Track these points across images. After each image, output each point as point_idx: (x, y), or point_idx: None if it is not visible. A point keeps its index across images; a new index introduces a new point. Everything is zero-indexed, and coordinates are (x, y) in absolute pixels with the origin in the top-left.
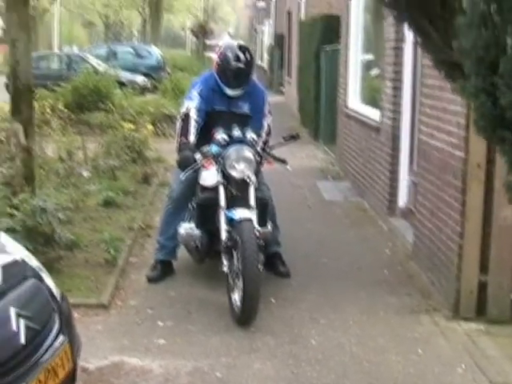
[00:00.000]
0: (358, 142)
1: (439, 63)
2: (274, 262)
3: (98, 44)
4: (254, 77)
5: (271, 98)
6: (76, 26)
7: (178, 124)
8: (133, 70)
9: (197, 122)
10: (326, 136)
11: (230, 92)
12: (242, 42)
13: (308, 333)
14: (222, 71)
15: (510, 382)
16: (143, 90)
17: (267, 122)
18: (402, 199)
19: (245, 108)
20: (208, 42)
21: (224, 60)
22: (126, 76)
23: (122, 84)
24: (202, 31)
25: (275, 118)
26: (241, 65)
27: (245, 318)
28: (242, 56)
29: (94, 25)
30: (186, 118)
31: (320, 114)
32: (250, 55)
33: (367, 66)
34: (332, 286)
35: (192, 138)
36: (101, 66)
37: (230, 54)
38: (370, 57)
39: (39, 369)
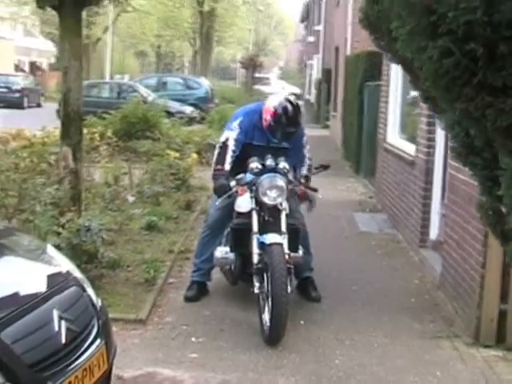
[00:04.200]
0: (394, 175)
1: (426, 99)
2: (305, 287)
3: (149, 74)
4: None
5: (317, 132)
6: (128, 55)
7: (216, 152)
8: (182, 100)
9: (234, 151)
10: (366, 170)
11: (274, 141)
12: (295, 99)
13: (332, 353)
14: (272, 129)
15: None
16: (191, 121)
17: (307, 150)
18: (434, 231)
19: (284, 144)
20: (257, 74)
21: (277, 121)
22: (174, 106)
23: (170, 114)
24: (252, 64)
25: (319, 151)
26: (293, 130)
27: (273, 337)
28: (296, 119)
29: (145, 55)
30: (223, 146)
31: (362, 148)
32: (300, 115)
33: (408, 103)
34: (360, 311)
35: (227, 166)
36: (150, 96)
37: (284, 118)
38: (409, 94)
39: (77, 367)
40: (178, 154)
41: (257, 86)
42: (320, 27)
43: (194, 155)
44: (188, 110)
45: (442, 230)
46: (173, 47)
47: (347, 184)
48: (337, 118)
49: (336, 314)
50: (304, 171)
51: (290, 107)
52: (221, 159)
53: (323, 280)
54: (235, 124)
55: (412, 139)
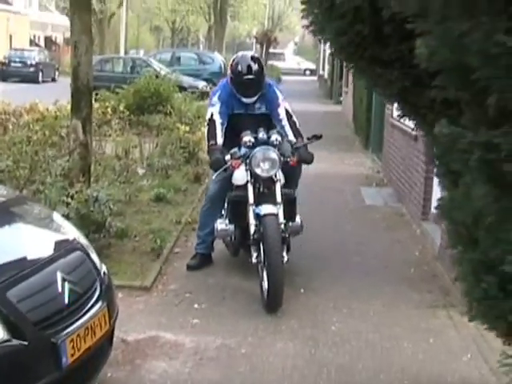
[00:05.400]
0: (399, 150)
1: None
2: None
3: (164, 49)
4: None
5: (330, 108)
6: (143, 30)
7: (206, 130)
8: (195, 75)
9: (221, 124)
10: (375, 145)
11: (245, 100)
12: (253, 53)
13: (329, 319)
14: (236, 83)
15: None
16: (203, 95)
17: (284, 108)
18: (435, 204)
19: (262, 109)
20: (272, 50)
21: (236, 72)
22: (187, 81)
23: (183, 88)
24: (267, 39)
25: (331, 127)
26: (251, 76)
27: (271, 304)
28: (253, 66)
29: (160, 30)
30: (211, 122)
31: (371, 124)
32: (260, 65)
33: None
34: (359, 281)
35: (219, 139)
36: (163, 70)
37: (240, 67)
38: None
39: (79, 326)
40: (188, 128)
41: (271, 62)
42: None
43: (204, 129)
44: (201, 84)
45: None
46: (188, 22)
47: (355, 159)
48: (348, 94)
49: (336, 283)
50: (290, 136)
51: (243, 55)
52: (212, 135)
53: (326, 251)
54: (215, 99)
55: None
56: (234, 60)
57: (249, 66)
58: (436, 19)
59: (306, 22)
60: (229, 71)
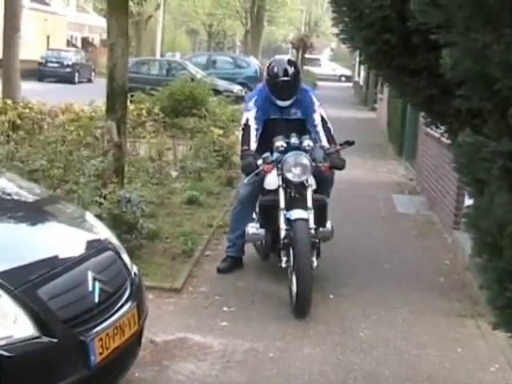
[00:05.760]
0: (433, 158)
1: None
2: None
3: (200, 52)
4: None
5: (364, 115)
6: (180, 33)
7: (240, 134)
8: (231, 79)
9: (256, 129)
10: (408, 152)
11: (281, 103)
12: (290, 57)
13: (358, 326)
14: (272, 85)
15: None
16: (238, 99)
17: (319, 114)
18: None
19: (298, 114)
20: (308, 55)
21: (272, 74)
22: (222, 84)
23: (218, 92)
24: (303, 44)
25: (365, 134)
26: (287, 78)
27: (299, 309)
28: (288, 69)
29: (197, 33)
30: (246, 127)
31: (405, 132)
32: (296, 68)
33: None
34: (389, 288)
35: (253, 145)
36: (198, 74)
37: (276, 69)
38: None
39: (108, 325)
40: (221, 132)
41: (307, 67)
42: None
43: (238, 133)
44: (236, 88)
45: None
46: (224, 26)
47: (389, 166)
48: (383, 101)
49: (365, 290)
50: (324, 142)
51: (280, 59)
52: (246, 140)
53: (357, 258)
54: (251, 104)
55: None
56: (270, 63)
57: (285, 69)
58: (460, 30)
59: (336, 29)
60: (265, 73)
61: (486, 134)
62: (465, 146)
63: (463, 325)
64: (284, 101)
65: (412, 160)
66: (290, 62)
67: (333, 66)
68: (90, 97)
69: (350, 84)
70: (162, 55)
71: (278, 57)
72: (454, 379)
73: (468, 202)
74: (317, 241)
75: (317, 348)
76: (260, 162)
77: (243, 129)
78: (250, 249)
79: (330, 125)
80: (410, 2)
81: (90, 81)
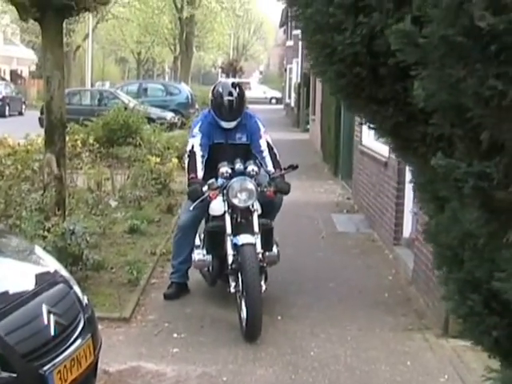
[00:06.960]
0: (369, 176)
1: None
2: None
3: (131, 81)
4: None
5: (297, 136)
6: (109, 62)
7: (186, 161)
8: (163, 106)
9: (202, 156)
10: (344, 172)
11: (225, 125)
12: (234, 80)
13: (308, 345)
14: (217, 105)
15: None
16: (172, 126)
17: (265, 140)
18: (407, 229)
19: (243, 139)
20: (238, 79)
21: (217, 95)
22: (155, 112)
23: (151, 120)
24: (232, 69)
25: (299, 155)
26: (231, 98)
27: (250, 333)
28: (233, 91)
29: (126, 61)
30: (191, 154)
31: (339, 151)
32: (241, 90)
33: None
34: (335, 306)
35: (200, 173)
36: (131, 102)
37: (221, 90)
38: None
39: (66, 357)
40: (158, 160)
41: None
42: (299, 31)
43: (175, 160)
44: (169, 115)
45: (414, 228)
46: (153, 53)
47: (325, 186)
48: (316, 122)
49: (312, 309)
50: (269, 167)
51: (225, 81)
52: (192, 167)
53: (301, 279)
54: (196, 130)
55: (385, 141)
56: (215, 86)
57: (229, 91)
58: (435, 66)
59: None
60: (210, 96)
61: (456, 156)
62: (438, 168)
63: (411, 338)
64: (229, 122)
65: (348, 179)
66: (234, 85)
67: (263, 88)
68: (23, 130)
69: (281, 106)
70: (91, 85)
71: (223, 80)
72: None
73: (408, 217)
74: (264, 265)
75: (269, 369)
76: (205, 188)
77: (189, 156)
78: (195, 275)
79: (275, 150)
80: (390, 41)
81: (21, 113)
